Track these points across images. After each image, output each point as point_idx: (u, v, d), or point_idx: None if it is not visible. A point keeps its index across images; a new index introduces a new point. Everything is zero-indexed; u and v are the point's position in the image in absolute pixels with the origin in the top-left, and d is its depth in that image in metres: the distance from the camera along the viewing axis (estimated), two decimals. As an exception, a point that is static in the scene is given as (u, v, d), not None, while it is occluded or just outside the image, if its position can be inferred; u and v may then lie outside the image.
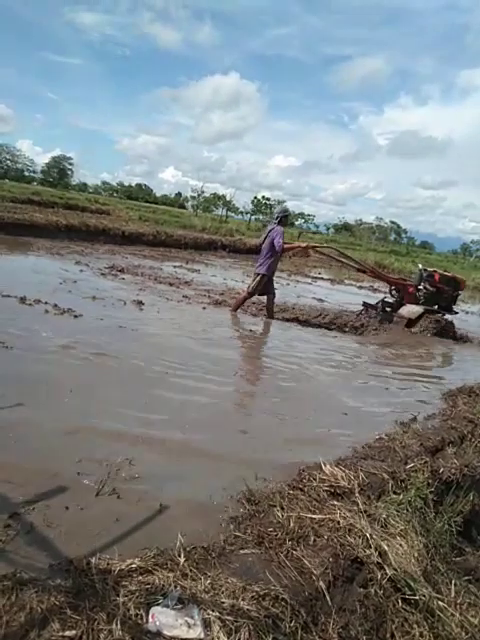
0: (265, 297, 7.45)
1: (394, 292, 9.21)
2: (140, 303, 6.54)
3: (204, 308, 7.18)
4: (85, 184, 73.46)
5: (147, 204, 46.91)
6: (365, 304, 8.87)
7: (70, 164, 70.69)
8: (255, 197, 54.76)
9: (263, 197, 54.82)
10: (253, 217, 51.15)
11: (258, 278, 7.18)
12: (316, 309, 8.55)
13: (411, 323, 8.51)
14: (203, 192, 49.87)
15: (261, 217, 52.36)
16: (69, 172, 70.72)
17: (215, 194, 54.81)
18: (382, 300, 9.08)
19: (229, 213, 51.27)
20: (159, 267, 10.80)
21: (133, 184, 79.13)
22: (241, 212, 54.16)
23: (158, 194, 78.82)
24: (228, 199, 50.04)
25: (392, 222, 64.67)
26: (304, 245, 8.14)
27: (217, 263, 14.60)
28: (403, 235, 64.12)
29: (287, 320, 7.57)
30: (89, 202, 25.60)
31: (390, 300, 9.12)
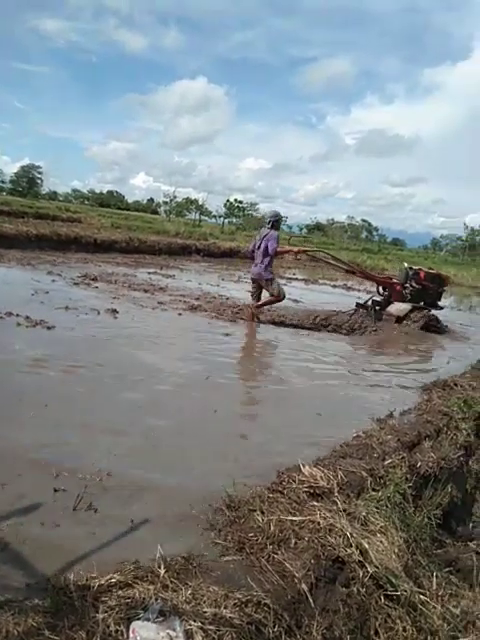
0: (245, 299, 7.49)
1: (382, 291, 9.49)
2: (114, 311, 6.46)
3: (180, 314, 7.14)
4: (55, 192, 72.36)
5: (119, 211, 46.57)
6: (357, 304, 9.08)
7: (39, 173, 69.68)
8: (228, 200, 54.81)
9: (236, 200, 54.92)
10: (226, 220, 51.20)
11: (272, 282, 7.41)
12: (308, 311, 8.62)
13: (400, 320, 8.79)
14: (175, 197, 49.88)
15: (234, 220, 52.44)
16: (39, 181, 69.71)
17: (187, 199, 54.79)
18: (371, 299, 9.30)
19: (202, 217, 51.26)
20: (133, 274, 10.71)
21: (104, 191, 78.43)
22: (214, 216, 54.17)
23: (130, 200, 78.27)
24: (200, 203, 50.10)
25: (363, 220, 65.62)
26: (296, 249, 8.44)
27: (192, 268, 14.56)
28: (374, 233, 65.02)
29: (276, 324, 7.59)
30: (60, 211, 25.27)
31: (378, 299, 9.37)
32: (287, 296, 10.32)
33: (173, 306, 7.59)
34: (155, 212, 60.95)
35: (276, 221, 7.59)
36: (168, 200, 49.68)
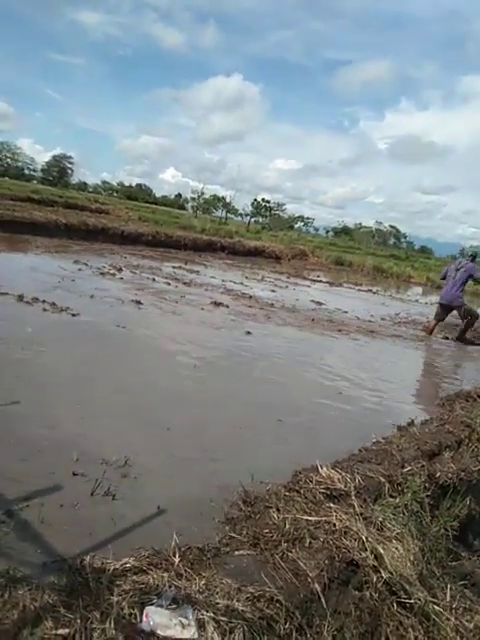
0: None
1: None
2: (138, 303, 6.53)
3: (203, 309, 7.17)
4: (85, 183, 73.09)
5: (147, 204, 46.80)
6: None
7: (70, 163, 70.47)
8: (255, 199, 54.87)
9: (263, 199, 54.97)
10: (253, 219, 51.20)
11: (463, 306, 8.48)
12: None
13: None
14: (203, 193, 49.95)
15: (260, 219, 52.40)
16: (69, 171, 70.48)
17: (215, 196, 54.94)
18: None
19: (229, 215, 51.31)
20: (158, 267, 10.80)
21: (133, 184, 78.93)
22: (240, 214, 54.18)
23: (158, 195, 78.59)
24: (228, 201, 50.13)
25: (392, 226, 64.90)
26: None
27: (216, 264, 14.60)
28: (402, 239, 64.27)
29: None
30: (89, 201, 25.58)
31: None
32: (311, 298, 10.36)
33: (197, 301, 7.63)
34: (182, 207, 61.19)
35: (475, 256, 8.72)
36: (196, 196, 49.80)
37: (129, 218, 20.55)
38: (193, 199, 51.40)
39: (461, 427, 3.66)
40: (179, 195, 73.30)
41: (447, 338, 8.75)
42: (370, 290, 15.18)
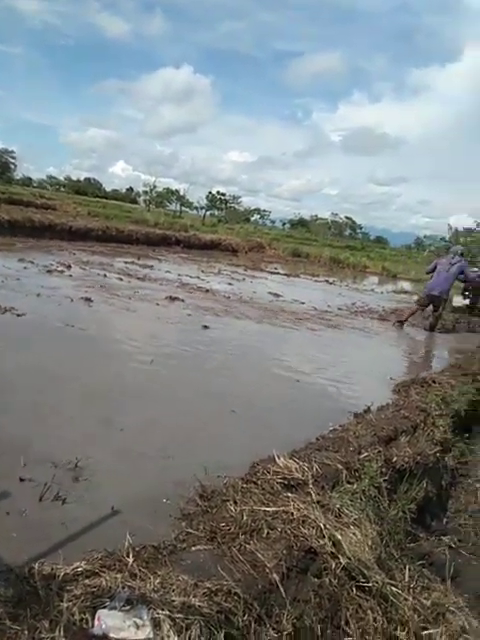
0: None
1: (467, 292, 11.48)
2: (89, 300, 6.35)
3: (157, 304, 7.06)
4: (29, 179, 70.16)
5: (97, 199, 45.64)
6: (468, 307, 11.34)
7: (13, 158, 67.57)
8: (210, 192, 54.50)
9: (218, 192, 54.65)
10: (208, 212, 50.95)
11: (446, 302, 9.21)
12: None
13: None
14: (156, 187, 49.26)
15: (216, 212, 52.18)
16: (12, 166, 67.63)
17: (168, 189, 54.18)
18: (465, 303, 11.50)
19: (183, 208, 50.87)
20: (110, 263, 10.55)
21: (81, 179, 76.68)
22: (196, 207, 53.77)
23: (108, 189, 76.46)
24: (182, 194, 49.65)
25: (347, 217, 65.78)
26: None
27: (171, 259, 14.43)
28: (358, 230, 65.36)
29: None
30: (34, 197, 24.62)
31: (465, 300, 11.55)
32: (268, 290, 10.41)
33: (151, 296, 7.50)
34: (134, 201, 59.92)
35: (463, 254, 9.59)
36: (148, 190, 49.09)
37: (78, 213, 19.98)
38: (145, 193, 50.71)
39: (416, 412, 3.74)
40: (130, 189, 71.87)
41: (401, 324, 9.01)
42: (327, 281, 15.40)
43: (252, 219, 58.82)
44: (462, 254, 9.49)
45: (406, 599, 2.10)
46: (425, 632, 2.05)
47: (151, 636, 1.38)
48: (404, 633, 1.92)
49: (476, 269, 11.54)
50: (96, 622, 1.38)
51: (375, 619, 1.90)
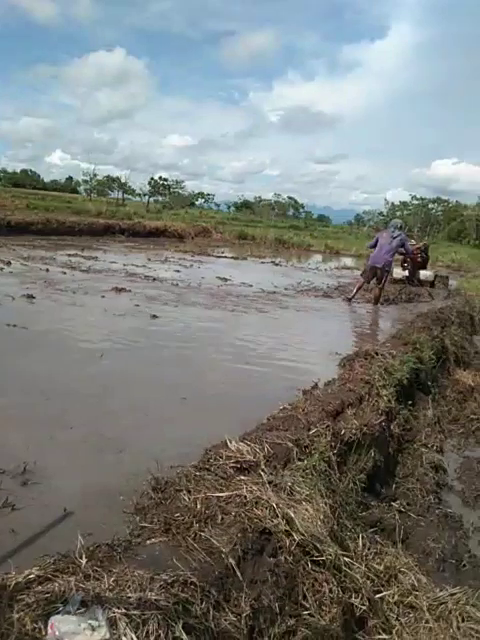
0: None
1: (405, 264, 11.91)
2: (31, 297, 6.13)
3: (104, 296, 6.90)
4: (-41, 174, 66.60)
5: (35, 191, 43.84)
6: (406, 278, 11.80)
7: None
8: (152, 178, 53.25)
9: (160, 178, 53.47)
10: (152, 199, 49.87)
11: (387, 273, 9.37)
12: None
13: (432, 285, 12.14)
14: (96, 175, 47.71)
15: (160, 198, 51.23)
16: None
17: (109, 176, 52.55)
18: (405, 275, 11.89)
19: (126, 196, 49.61)
20: (52, 257, 10.20)
21: (17, 170, 73.30)
22: (139, 194, 52.49)
23: (47, 180, 73.53)
24: (123, 181, 48.29)
25: (290, 197, 65.97)
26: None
27: (116, 248, 14.11)
28: (301, 210, 65.82)
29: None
30: (-33, 191, 23.44)
31: (404, 272, 11.96)
32: (216, 274, 10.39)
33: (96, 289, 7.32)
34: (75, 191, 57.92)
35: (402, 227, 9.92)
36: (88, 179, 47.41)
37: (16, 207, 19.08)
38: (85, 182, 48.94)
39: (361, 384, 3.86)
40: (70, 178, 69.37)
41: (349, 300, 9.25)
42: (273, 262, 15.50)
43: (197, 203, 58.22)
44: (401, 228, 9.82)
45: (359, 567, 2.19)
46: (378, 595, 2.16)
47: (107, 636, 1.37)
48: (358, 599, 2.01)
49: (413, 242, 12.02)
50: (49, 630, 1.36)
51: (331, 590, 1.97)
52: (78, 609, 1.44)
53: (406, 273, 11.89)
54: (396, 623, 2.09)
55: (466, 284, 13.30)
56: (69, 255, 10.86)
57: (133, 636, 1.39)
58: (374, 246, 9.37)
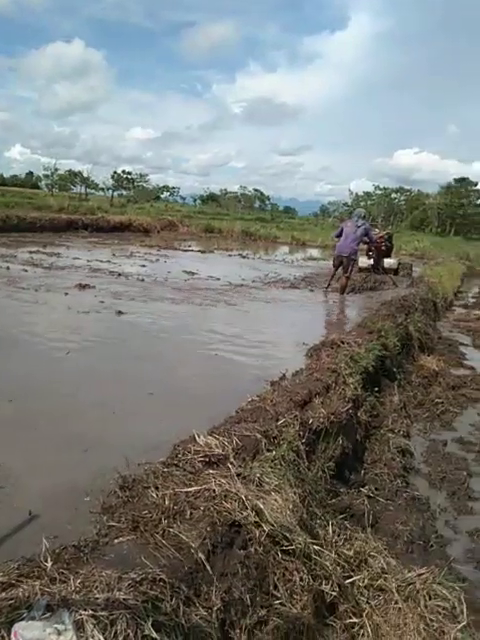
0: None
1: (370, 253, 12.01)
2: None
3: (67, 294, 6.76)
4: None
5: (-6, 187, 42.51)
6: (372, 266, 11.99)
7: None
8: (115, 172, 52.31)
9: (124, 171, 52.59)
10: (116, 193, 49.00)
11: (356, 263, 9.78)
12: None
13: (396, 272, 12.61)
14: (57, 169, 46.59)
15: (124, 192, 50.45)
16: None
17: (71, 171, 51.41)
18: (370, 264, 12.05)
19: (89, 190, 48.65)
20: (12, 254, 9.94)
21: (-25, 166, 70.93)
22: (102, 188, 51.50)
23: (6, 175, 71.21)
24: (86, 175, 47.30)
25: (255, 190, 65.93)
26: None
27: (79, 244, 13.83)
28: (267, 202, 65.87)
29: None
30: None
31: (370, 261, 12.09)
32: (183, 268, 10.32)
33: (59, 286, 7.16)
34: (36, 186, 56.33)
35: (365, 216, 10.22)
36: (49, 173, 46.24)
37: (-26, 204, 18.52)
38: (46, 176, 47.77)
39: (328, 373, 3.89)
40: (30, 173, 67.36)
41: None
42: (240, 254, 15.50)
43: (162, 197, 57.57)
44: (365, 217, 10.02)
45: (329, 554, 2.21)
46: (348, 580, 2.19)
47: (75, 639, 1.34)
48: (328, 586, 2.04)
49: (377, 231, 12.22)
50: (13, 638, 1.32)
51: (301, 578, 1.99)
52: (43, 614, 1.40)
53: (371, 262, 12.10)
54: (366, 606, 2.13)
55: (429, 271, 13.58)
56: (31, 252, 10.57)
57: (100, 637, 1.36)
58: (339, 236, 9.51)
